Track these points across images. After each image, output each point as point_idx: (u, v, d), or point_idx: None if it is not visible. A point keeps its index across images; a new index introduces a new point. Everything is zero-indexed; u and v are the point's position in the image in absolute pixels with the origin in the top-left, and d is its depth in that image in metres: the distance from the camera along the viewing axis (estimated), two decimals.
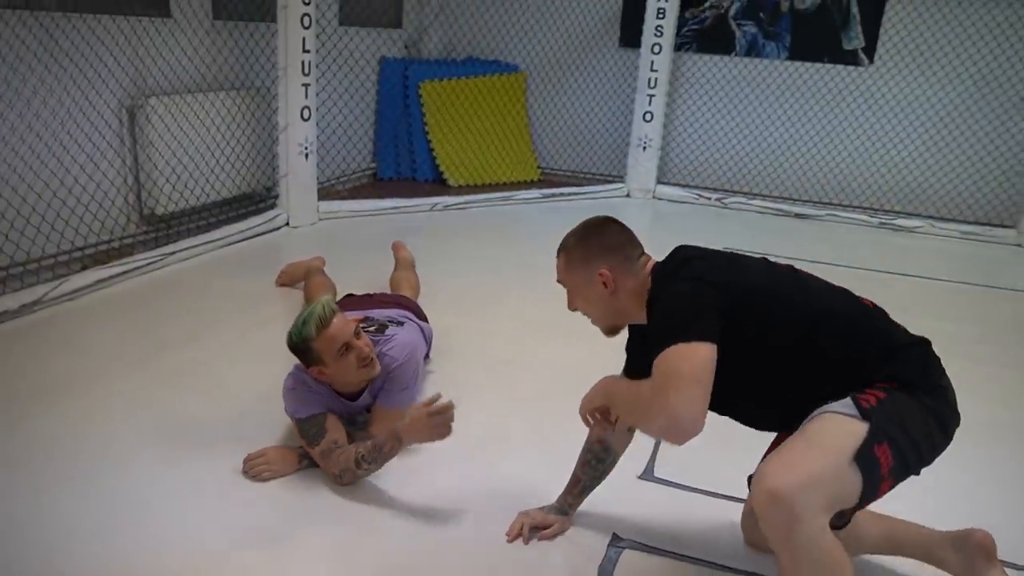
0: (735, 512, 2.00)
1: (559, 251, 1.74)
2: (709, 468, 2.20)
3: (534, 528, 1.90)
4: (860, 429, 1.42)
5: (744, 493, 1.96)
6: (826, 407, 1.47)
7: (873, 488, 1.44)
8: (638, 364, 1.67)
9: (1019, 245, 5.09)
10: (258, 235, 4.17)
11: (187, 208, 4.06)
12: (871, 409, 1.44)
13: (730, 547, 1.91)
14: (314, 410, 2.09)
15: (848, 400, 1.46)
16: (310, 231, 4.41)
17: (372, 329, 2.28)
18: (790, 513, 1.36)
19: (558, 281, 1.75)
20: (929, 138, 5.48)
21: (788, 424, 1.53)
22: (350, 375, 2.07)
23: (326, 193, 4.80)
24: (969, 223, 5.34)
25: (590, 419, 1.76)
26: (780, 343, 1.52)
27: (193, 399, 2.44)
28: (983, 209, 5.43)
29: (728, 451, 2.27)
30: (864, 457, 1.41)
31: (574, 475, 1.93)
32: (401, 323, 2.40)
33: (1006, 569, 1.75)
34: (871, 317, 1.60)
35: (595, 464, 1.90)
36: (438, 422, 1.90)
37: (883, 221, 5.34)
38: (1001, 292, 4.22)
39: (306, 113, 4.27)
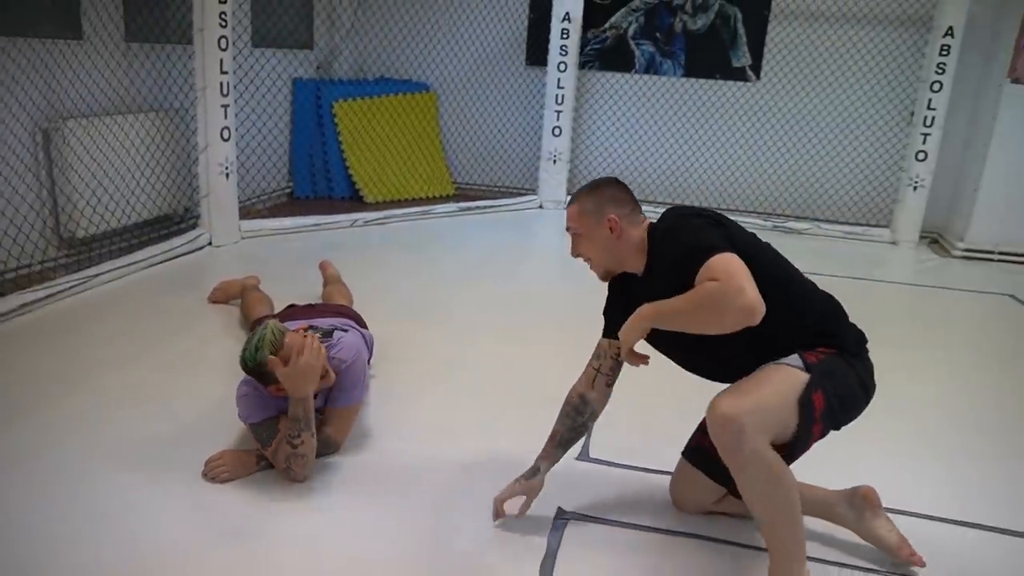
0: (662, 483, 2.24)
1: (571, 202, 1.96)
2: (636, 449, 2.45)
3: (507, 501, 2.04)
4: (802, 377, 1.74)
5: (668, 466, 2.21)
6: (776, 361, 1.77)
7: (807, 429, 1.73)
8: (617, 325, 1.87)
9: (893, 242, 5.62)
10: (181, 255, 4.19)
11: (108, 230, 4.05)
12: (813, 364, 1.76)
13: (659, 512, 2.14)
14: (267, 414, 2.19)
15: (795, 356, 1.77)
16: (233, 250, 4.45)
17: (318, 335, 2.40)
18: (739, 430, 1.64)
19: (567, 228, 1.97)
20: (813, 147, 5.98)
21: (738, 376, 1.80)
22: None
23: (245, 212, 4.84)
24: (850, 224, 5.85)
25: (634, 359, 1.88)
26: (760, 289, 1.71)
27: (143, 415, 2.50)
28: (861, 211, 5.96)
29: (650, 435, 2.54)
30: (803, 398, 1.72)
31: (553, 428, 2.08)
32: (345, 330, 2.53)
33: (892, 515, 2.05)
34: (828, 294, 1.92)
35: (573, 415, 2.05)
36: (304, 363, 2.05)
37: (776, 224, 5.80)
38: (878, 284, 4.69)
39: (226, 133, 4.32)
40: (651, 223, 1.93)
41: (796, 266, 1.92)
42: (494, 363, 3.10)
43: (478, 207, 5.80)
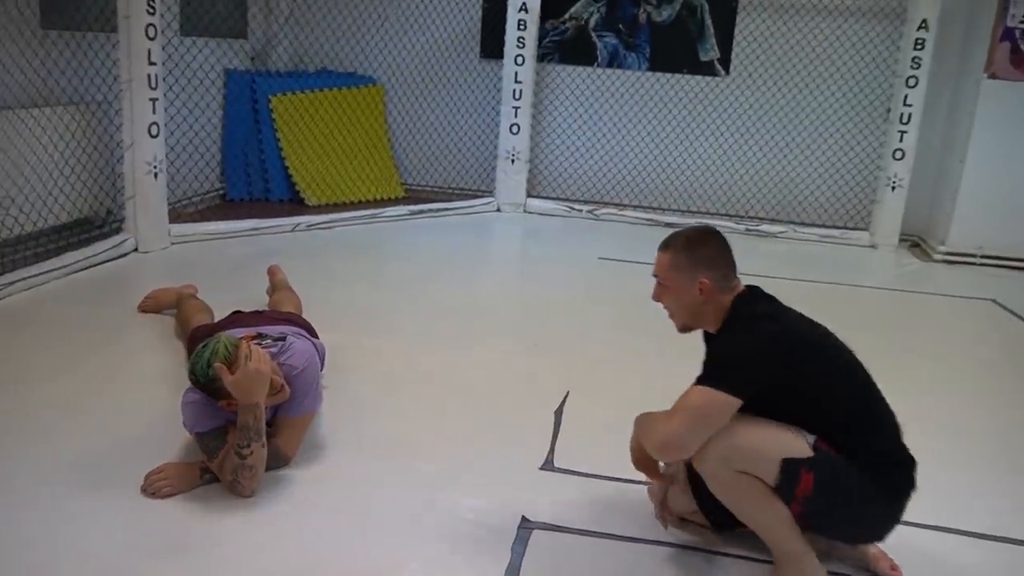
0: (629, 491, 2.38)
1: (665, 248, 2.06)
2: (603, 457, 2.58)
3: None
4: (801, 446, 1.88)
5: (636, 474, 2.34)
6: (795, 427, 1.91)
7: (786, 498, 1.89)
8: None
9: (872, 246, 5.89)
10: (104, 262, 4.22)
11: (22, 235, 4.06)
12: (823, 450, 1.88)
13: (627, 520, 2.28)
14: (216, 423, 2.28)
15: (815, 436, 1.90)
16: (162, 256, 4.50)
17: (267, 342, 2.49)
18: (702, 452, 1.90)
19: (655, 274, 2.08)
20: (787, 146, 6.23)
21: None
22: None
23: (174, 216, 4.88)
24: (827, 227, 6.11)
25: (645, 474, 2.14)
26: (807, 416, 1.92)
27: (75, 429, 2.56)
28: (838, 213, 6.22)
29: (618, 443, 2.66)
30: (789, 466, 1.86)
31: None
32: (297, 337, 2.62)
33: None
34: (894, 427, 2.00)
35: None
36: (253, 367, 2.14)
37: (749, 228, 6.03)
38: (857, 289, 4.92)
39: (154, 129, 4.38)
40: (741, 293, 2.03)
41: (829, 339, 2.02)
42: (449, 373, 3.22)
43: (430, 210, 5.92)
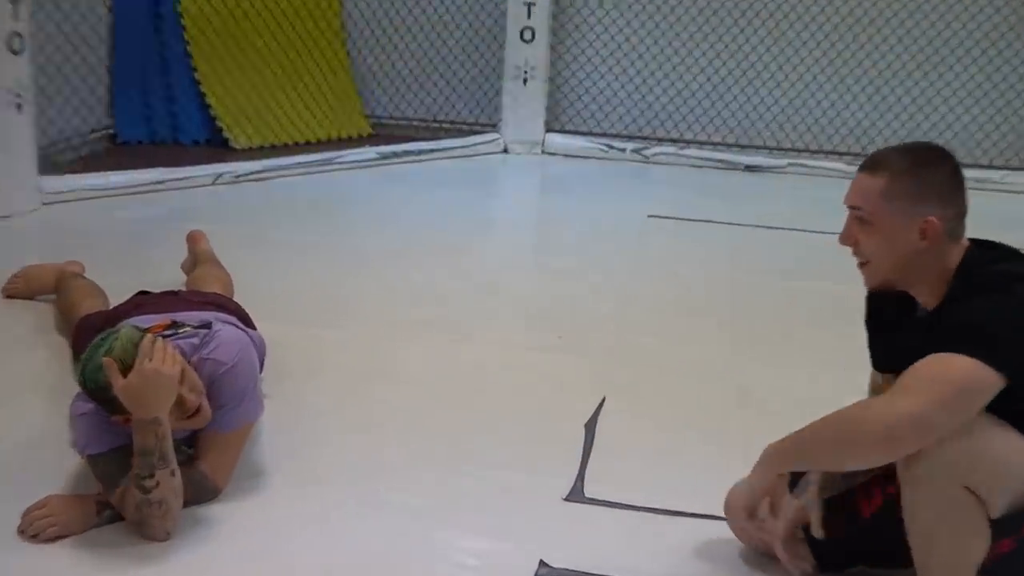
0: (676, 528, 2.50)
1: (874, 167, 2.04)
2: (646, 484, 2.70)
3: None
4: None
5: (686, 505, 2.48)
6: None
7: (1004, 532, 1.90)
8: (882, 360, 2.16)
9: None
10: None
11: None
12: None
13: (675, 565, 2.39)
14: (116, 442, 2.38)
15: None
16: (32, 221, 4.64)
17: (186, 330, 2.60)
18: (920, 459, 1.89)
19: (850, 204, 2.06)
20: (919, 52, 6.25)
21: None
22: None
23: (47, 165, 4.98)
24: (979, 167, 6.10)
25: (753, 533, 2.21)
26: None
27: None
28: (996, 148, 6.27)
29: (666, 464, 2.80)
30: (1012, 515, 1.89)
31: None
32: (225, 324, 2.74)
33: None
34: None
35: None
36: (151, 369, 2.22)
37: None
38: None
39: (16, 43, 4.49)
40: (969, 248, 2.02)
41: None
42: (439, 375, 3.36)
43: (408, 153, 6.03)
